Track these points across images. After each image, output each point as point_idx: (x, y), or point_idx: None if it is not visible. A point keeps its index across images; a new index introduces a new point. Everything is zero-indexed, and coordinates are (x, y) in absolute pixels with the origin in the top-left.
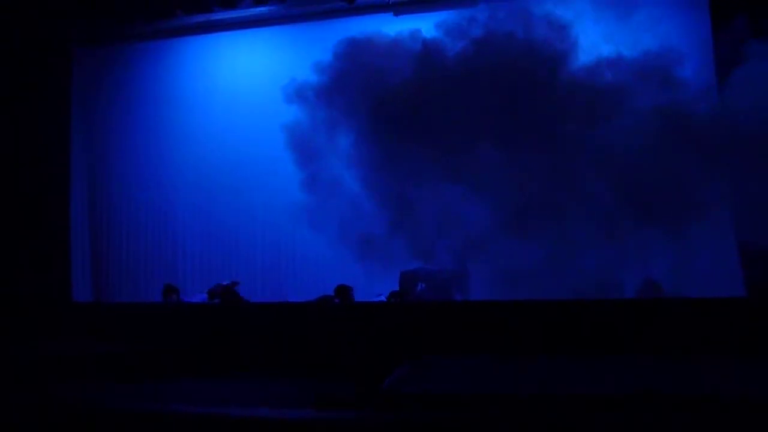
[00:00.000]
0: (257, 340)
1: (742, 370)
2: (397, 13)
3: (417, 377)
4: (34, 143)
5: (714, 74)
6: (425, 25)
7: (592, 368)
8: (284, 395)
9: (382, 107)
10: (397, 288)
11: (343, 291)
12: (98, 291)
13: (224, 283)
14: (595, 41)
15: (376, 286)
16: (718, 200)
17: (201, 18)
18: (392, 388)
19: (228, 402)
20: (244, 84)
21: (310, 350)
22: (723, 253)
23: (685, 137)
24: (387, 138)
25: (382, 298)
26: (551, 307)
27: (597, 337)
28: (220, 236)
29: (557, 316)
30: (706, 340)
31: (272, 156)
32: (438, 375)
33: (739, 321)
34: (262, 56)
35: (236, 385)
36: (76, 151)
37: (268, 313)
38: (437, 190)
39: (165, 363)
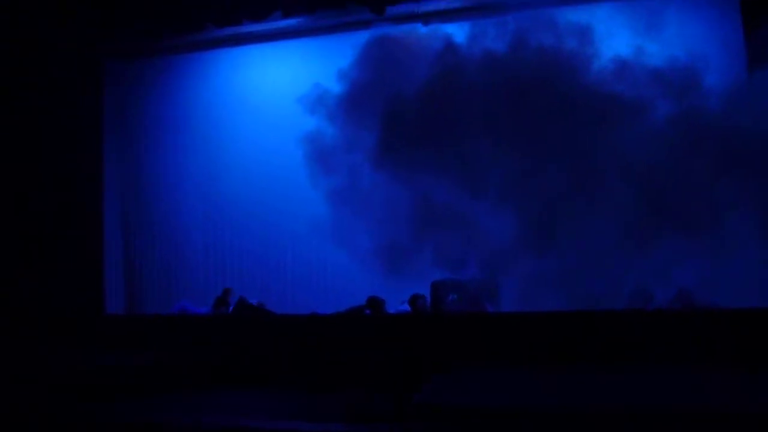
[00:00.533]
0: (288, 353)
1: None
2: (426, 23)
3: (449, 389)
4: (67, 157)
5: (743, 78)
6: (454, 35)
7: (625, 381)
8: (316, 408)
9: (404, 116)
10: (419, 291)
11: (376, 303)
12: (131, 303)
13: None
14: (619, 47)
15: (404, 297)
16: (750, 207)
17: (231, 31)
18: (424, 400)
19: (260, 414)
20: (274, 96)
21: (340, 363)
22: (757, 262)
23: (714, 143)
24: (409, 148)
25: (405, 306)
26: (583, 318)
27: (630, 348)
28: (250, 249)
29: (590, 327)
30: (739, 351)
31: (303, 168)
32: (470, 387)
33: None
34: (291, 68)
35: (268, 398)
36: (108, 164)
37: (299, 325)
38: (463, 200)
39: (197, 375)
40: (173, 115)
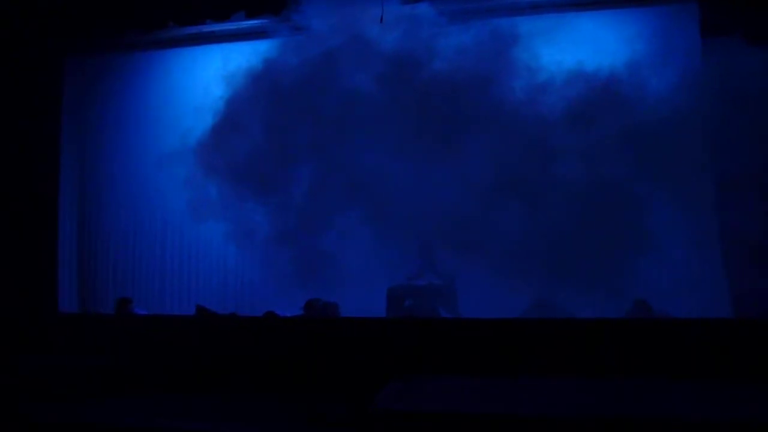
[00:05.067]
0: (244, 354)
1: (730, 393)
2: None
3: (406, 395)
4: (23, 153)
5: (699, 84)
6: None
7: (582, 390)
8: (272, 412)
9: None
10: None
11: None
12: (84, 303)
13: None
14: (560, 58)
15: (361, 303)
16: (707, 219)
17: (193, 29)
18: (382, 405)
19: (214, 418)
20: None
21: (296, 366)
22: (711, 272)
23: (655, 152)
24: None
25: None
26: (540, 326)
27: (587, 357)
28: (208, 250)
29: (547, 336)
30: (694, 361)
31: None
32: (425, 393)
33: (726, 342)
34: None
35: (223, 402)
36: (65, 161)
37: (255, 328)
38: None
39: (153, 377)
40: (133, 112)
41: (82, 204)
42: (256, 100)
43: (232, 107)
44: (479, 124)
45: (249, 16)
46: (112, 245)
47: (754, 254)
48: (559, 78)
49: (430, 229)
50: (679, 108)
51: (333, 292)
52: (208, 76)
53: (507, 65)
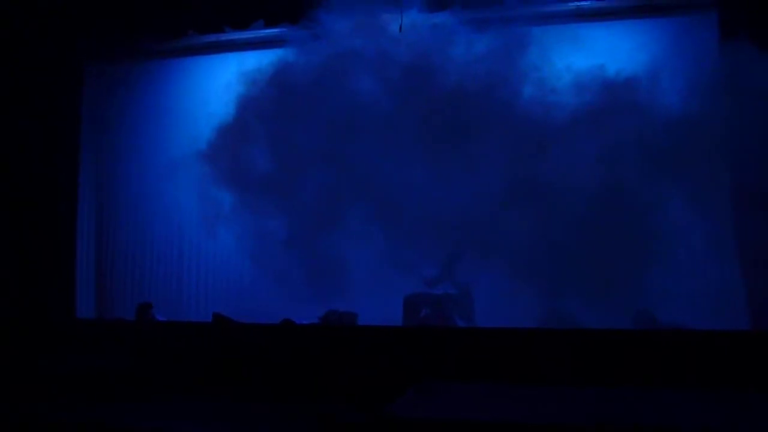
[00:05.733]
0: (260, 363)
1: (746, 405)
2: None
3: (420, 402)
4: (43, 159)
5: (717, 91)
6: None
7: (594, 399)
8: (288, 419)
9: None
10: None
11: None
12: (101, 308)
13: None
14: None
15: (377, 312)
16: (724, 227)
17: (212, 38)
18: (395, 412)
19: (229, 423)
20: None
21: (313, 373)
22: (728, 282)
23: (667, 157)
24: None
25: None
26: (555, 336)
27: (602, 367)
28: (225, 256)
29: (562, 345)
30: (711, 373)
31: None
32: (441, 400)
33: (743, 354)
34: None
35: (239, 407)
36: (84, 168)
37: (271, 335)
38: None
39: (166, 382)
40: (151, 119)
41: (100, 209)
42: (270, 107)
43: (245, 114)
44: (494, 130)
45: (267, 25)
46: (130, 251)
47: None
48: (575, 84)
49: (444, 235)
50: (695, 115)
51: (348, 299)
52: (223, 84)
53: (523, 72)
